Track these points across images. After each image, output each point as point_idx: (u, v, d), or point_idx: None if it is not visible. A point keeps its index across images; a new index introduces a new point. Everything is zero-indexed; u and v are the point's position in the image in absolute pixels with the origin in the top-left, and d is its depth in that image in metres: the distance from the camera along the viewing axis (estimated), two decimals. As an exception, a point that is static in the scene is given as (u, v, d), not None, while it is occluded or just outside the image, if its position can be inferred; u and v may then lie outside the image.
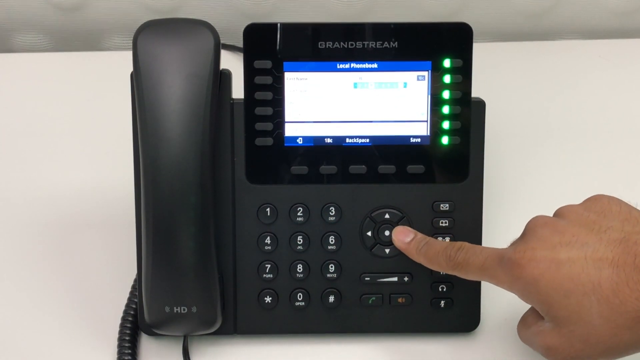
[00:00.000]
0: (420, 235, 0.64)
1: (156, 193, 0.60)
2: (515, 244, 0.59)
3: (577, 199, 0.60)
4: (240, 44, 0.64)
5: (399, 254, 0.65)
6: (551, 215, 0.60)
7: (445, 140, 0.64)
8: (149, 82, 0.60)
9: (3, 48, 1.01)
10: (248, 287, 0.65)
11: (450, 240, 0.65)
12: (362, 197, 0.65)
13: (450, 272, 0.61)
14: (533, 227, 0.58)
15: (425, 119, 0.64)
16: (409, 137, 0.64)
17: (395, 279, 0.65)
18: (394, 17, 0.98)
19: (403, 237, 0.64)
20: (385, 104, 0.64)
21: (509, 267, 0.57)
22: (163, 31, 0.61)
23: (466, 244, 0.61)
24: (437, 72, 0.64)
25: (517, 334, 0.61)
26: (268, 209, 0.64)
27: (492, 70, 0.89)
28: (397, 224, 0.65)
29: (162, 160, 0.60)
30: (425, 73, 0.64)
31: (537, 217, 0.59)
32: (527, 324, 0.59)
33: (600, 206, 0.58)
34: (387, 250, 0.65)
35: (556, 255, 0.55)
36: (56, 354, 0.65)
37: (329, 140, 0.64)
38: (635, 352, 0.55)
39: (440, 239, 0.65)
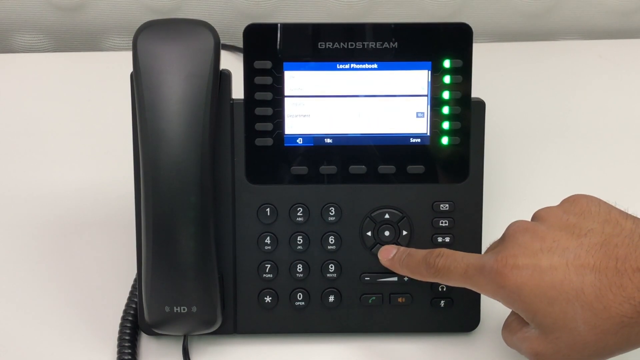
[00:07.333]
0: (402, 248, 0.64)
1: (156, 193, 0.60)
2: (495, 251, 0.58)
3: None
4: (240, 44, 0.64)
5: (398, 254, 0.65)
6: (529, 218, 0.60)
7: (445, 140, 0.64)
8: (149, 82, 0.60)
9: (3, 48, 1.01)
10: (248, 287, 0.65)
11: (450, 240, 0.65)
12: (362, 197, 0.65)
13: (432, 280, 0.61)
14: (513, 233, 0.58)
15: (425, 119, 0.64)
16: (409, 137, 0.64)
17: (395, 278, 0.65)
18: (394, 17, 0.98)
19: (386, 254, 0.64)
20: (385, 104, 0.64)
21: (491, 275, 0.56)
22: (163, 31, 0.61)
23: (445, 250, 0.60)
24: (437, 72, 0.64)
25: (503, 339, 0.61)
26: (268, 209, 0.64)
27: (492, 71, 0.89)
28: (397, 224, 0.65)
29: (162, 160, 0.60)
30: (425, 73, 0.64)
31: (516, 222, 0.59)
32: (512, 330, 0.59)
33: (579, 207, 0.58)
34: (387, 250, 0.65)
35: (538, 263, 0.55)
36: (56, 354, 0.65)
37: (328, 140, 0.64)
38: (622, 353, 0.55)
39: (440, 239, 0.65)
